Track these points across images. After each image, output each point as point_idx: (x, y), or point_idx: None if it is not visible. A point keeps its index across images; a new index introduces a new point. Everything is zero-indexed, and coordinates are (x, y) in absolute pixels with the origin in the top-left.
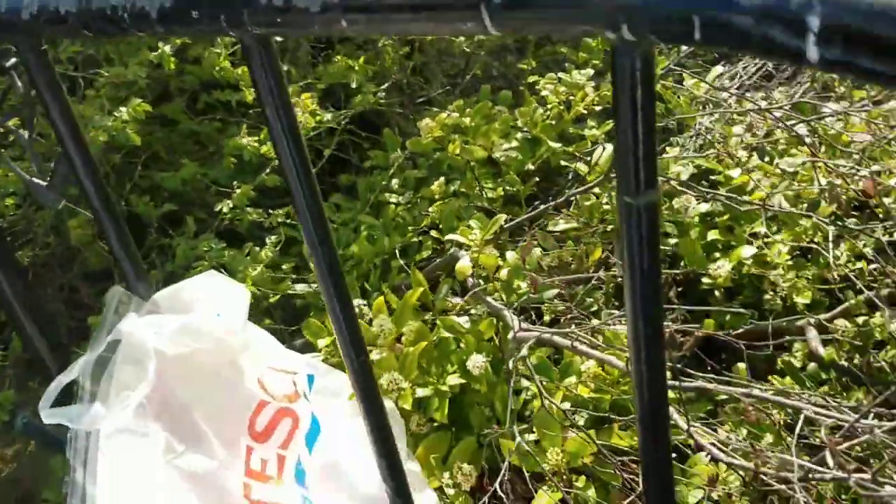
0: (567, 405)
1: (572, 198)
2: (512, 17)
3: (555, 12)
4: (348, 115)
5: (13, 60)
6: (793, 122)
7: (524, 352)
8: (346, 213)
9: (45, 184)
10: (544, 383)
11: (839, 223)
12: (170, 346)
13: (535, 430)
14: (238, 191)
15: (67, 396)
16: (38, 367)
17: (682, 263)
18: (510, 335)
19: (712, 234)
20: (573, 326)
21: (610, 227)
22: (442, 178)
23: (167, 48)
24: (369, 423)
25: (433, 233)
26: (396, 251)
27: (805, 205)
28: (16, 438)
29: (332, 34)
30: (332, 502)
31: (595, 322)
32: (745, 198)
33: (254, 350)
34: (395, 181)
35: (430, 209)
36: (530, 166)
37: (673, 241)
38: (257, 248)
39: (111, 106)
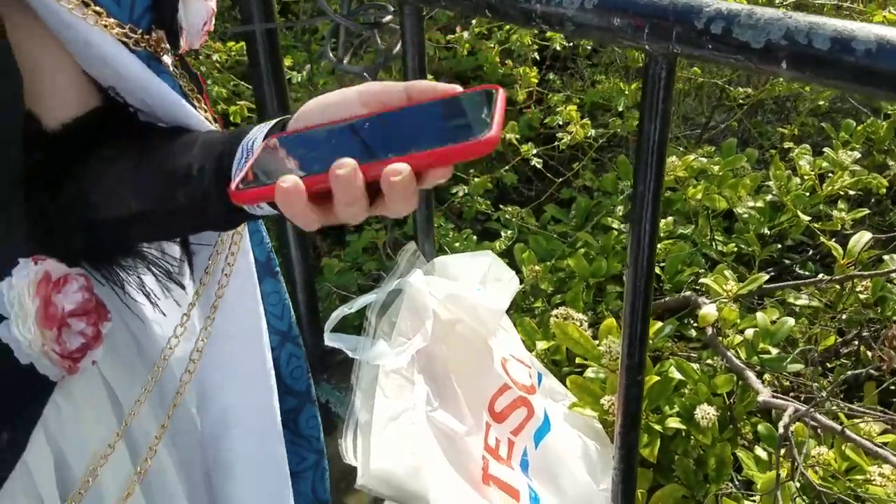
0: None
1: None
2: None
3: None
4: (607, 134)
5: (388, 18)
6: None
7: (785, 419)
8: (557, 225)
9: None
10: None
11: None
12: (443, 309)
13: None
14: (476, 179)
15: None
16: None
17: None
18: (757, 398)
19: None
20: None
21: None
22: (670, 218)
23: (466, 34)
24: (622, 439)
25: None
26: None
27: None
28: None
29: (764, 73)
30: (550, 498)
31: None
32: None
33: (502, 334)
34: (619, 209)
35: (658, 246)
36: (766, 230)
37: None
38: (474, 237)
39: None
